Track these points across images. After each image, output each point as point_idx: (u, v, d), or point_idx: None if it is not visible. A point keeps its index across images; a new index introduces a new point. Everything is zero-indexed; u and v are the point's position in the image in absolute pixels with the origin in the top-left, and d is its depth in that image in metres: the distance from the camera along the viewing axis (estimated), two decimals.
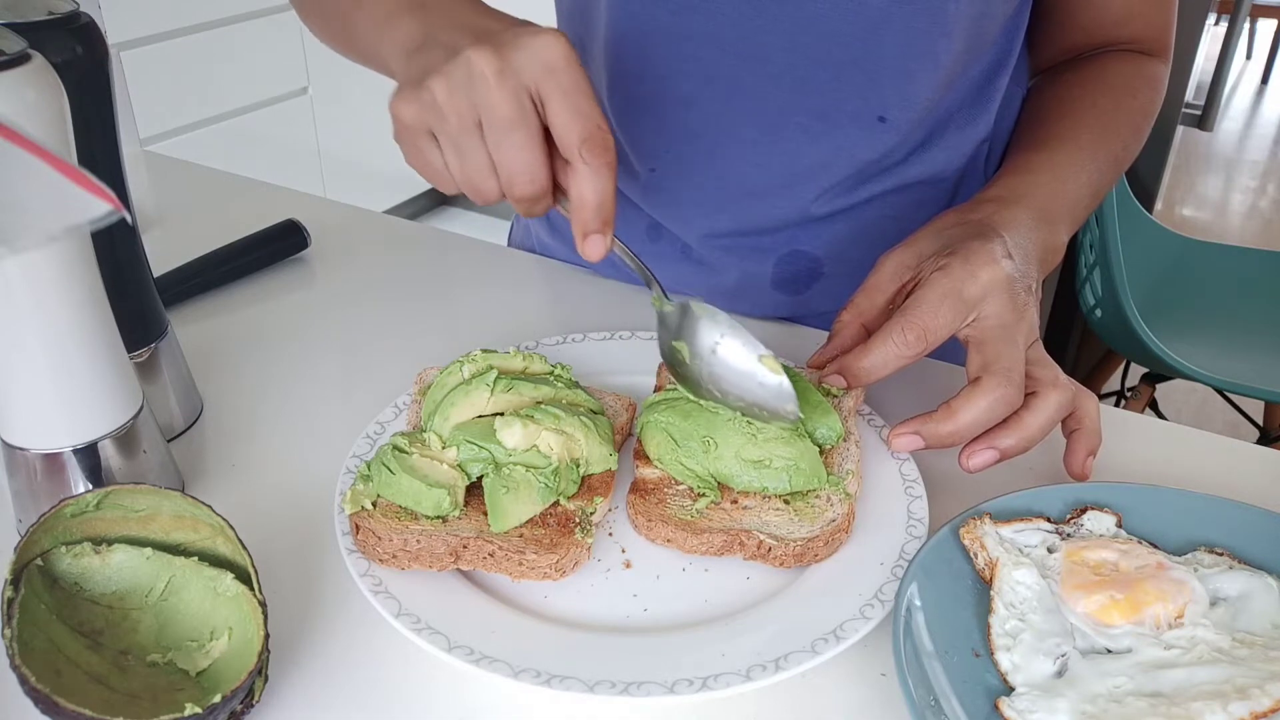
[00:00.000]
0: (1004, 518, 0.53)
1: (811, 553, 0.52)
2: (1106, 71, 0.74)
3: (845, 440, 0.59)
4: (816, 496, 0.55)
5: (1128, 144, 0.72)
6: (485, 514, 0.53)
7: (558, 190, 0.52)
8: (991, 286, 0.56)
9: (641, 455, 0.58)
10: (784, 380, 0.55)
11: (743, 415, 0.56)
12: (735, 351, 0.56)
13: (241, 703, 0.45)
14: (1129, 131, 0.72)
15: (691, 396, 0.58)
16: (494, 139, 0.49)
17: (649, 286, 0.58)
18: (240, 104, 2.66)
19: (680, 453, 0.56)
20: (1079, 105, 0.72)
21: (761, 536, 0.52)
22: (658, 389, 0.64)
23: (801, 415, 0.55)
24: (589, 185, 0.50)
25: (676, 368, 0.58)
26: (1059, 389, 0.56)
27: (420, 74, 0.50)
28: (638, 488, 0.57)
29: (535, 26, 0.50)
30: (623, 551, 0.55)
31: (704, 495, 0.55)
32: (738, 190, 0.75)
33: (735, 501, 0.55)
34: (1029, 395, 0.56)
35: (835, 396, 0.61)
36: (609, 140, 0.50)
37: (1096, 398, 0.60)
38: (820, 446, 0.58)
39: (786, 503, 0.55)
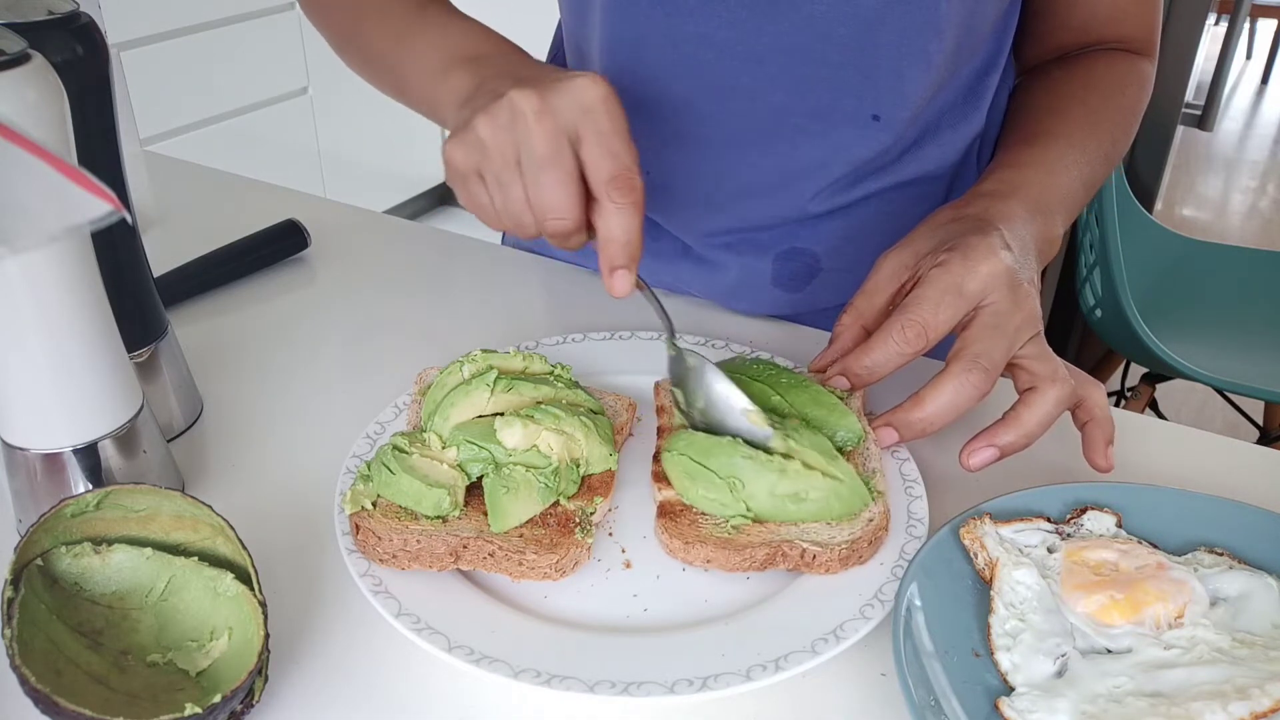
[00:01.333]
0: (1004, 518, 0.53)
1: (857, 555, 0.51)
2: (1095, 69, 0.75)
3: (864, 440, 0.59)
4: None
5: (1117, 140, 0.73)
6: (485, 514, 0.53)
7: (592, 227, 0.55)
8: (991, 280, 0.56)
9: (661, 478, 0.57)
10: (770, 433, 0.56)
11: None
12: (721, 410, 0.58)
13: (241, 703, 0.45)
14: (1118, 128, 0.73)
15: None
16: (530, 176, 0.52)
17: (665, 330, 0.61)
18: (240, 104, 2.66)
19: (698, 484, 0.54)
20: (1068, 102, 0.73)
21: (804, 545, 0.51)
22: (658, 410, 0.63)
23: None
24: (616, 223, 0.52)
25: (676, 407, 0.61)
26: (1058, 384, 0.56)
27: (469, 117, 0.53)
28: (666, 511, 0.55)
29: (577, 72, 0.53)
30: (623, 551, 0.55)
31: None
32: (735, 190, 0.75)
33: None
34: (1028, 390, 0.56)
35: (841, 399, 0.60)
36: (636, 181, 0.52)
37: (1103, 386, 0.60)
38: (841, 449, 0.57)
39: None
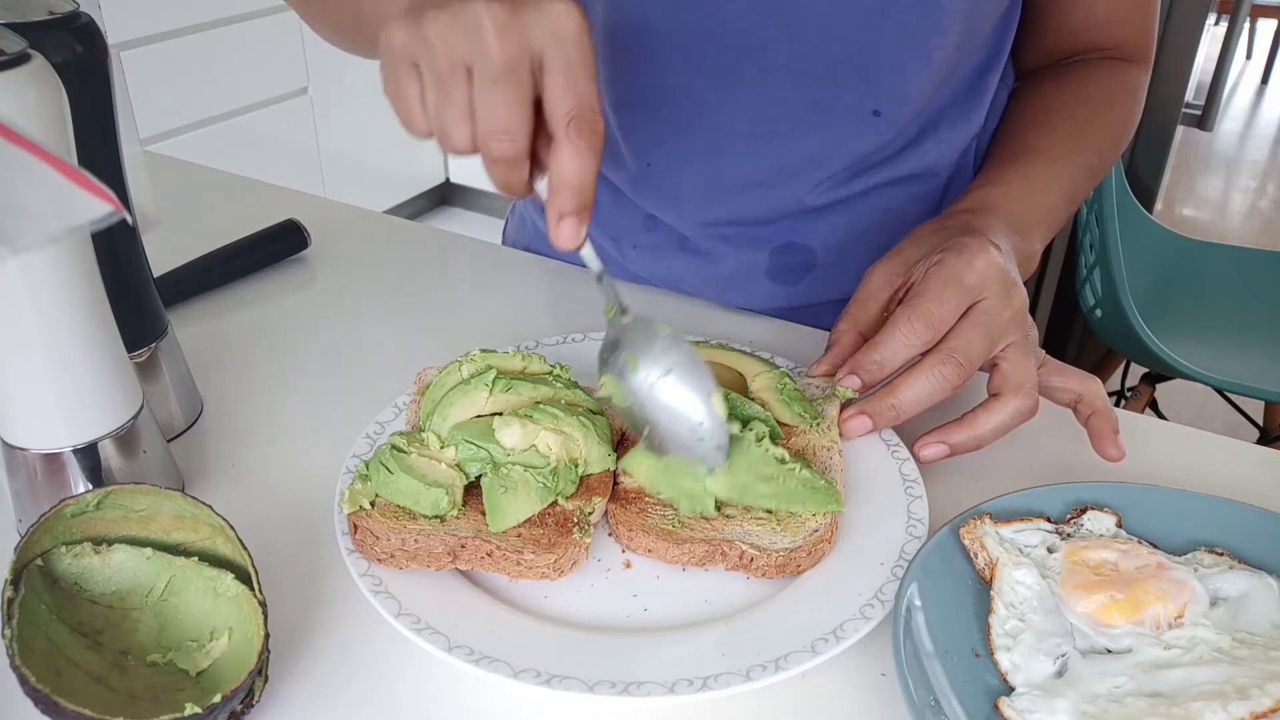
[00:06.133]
0: (1004, 518, 0.53)
1: (794, 563, 0.52)
2: (1086, 82, 0.75)
3: (829, 450, 0.59)
4: None
5: (1104, 154, 0.74)
6: (483, 514, 0.53)
7: (536, 169, 0.49)
8: (988, 273, 0.57)
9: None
10: (725, 424, 0.53)
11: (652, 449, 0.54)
12: (681, 386, 0.52)
13: (241, 703, 0.45)
14: (1105, 142, 0.74)
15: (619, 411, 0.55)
16: (481, 88, 0.46)
17: (606, 294, 0.54)
18: (240, 104, 2.66)
19: (671, 473, 0.54)
20: (1055, 116, 0.74)
21: (744, 547, 0.52)
22: None
23: (722, 465, 0.53)
24: (571, 165, 0.47)
25: (617, 381, 0.54)
26: (1020, 396, 0.57)
27: (422, 7, 0.47)
28: (619, 497, 0.56)
29: None
30: (623, 551, 0.54)
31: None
32: (734, 182, 0.76)
33: (719, 509, 0.55)
34: (992, 396, 0.57)
35: (841, 398, 0.60)
36: (599, 124, 0.47)
37: (1099, 380, 0.60)
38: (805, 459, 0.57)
39: (769, 512, 0.54)
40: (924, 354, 0.57)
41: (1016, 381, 0.57)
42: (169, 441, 0.60)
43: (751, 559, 0.52)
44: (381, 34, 0.48)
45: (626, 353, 0.53)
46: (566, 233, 0.48)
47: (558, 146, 0.47)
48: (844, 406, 0.60)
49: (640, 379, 0.52)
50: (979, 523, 0.52)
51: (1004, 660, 0.46)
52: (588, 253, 0.52)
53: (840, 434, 0.59)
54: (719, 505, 0.55)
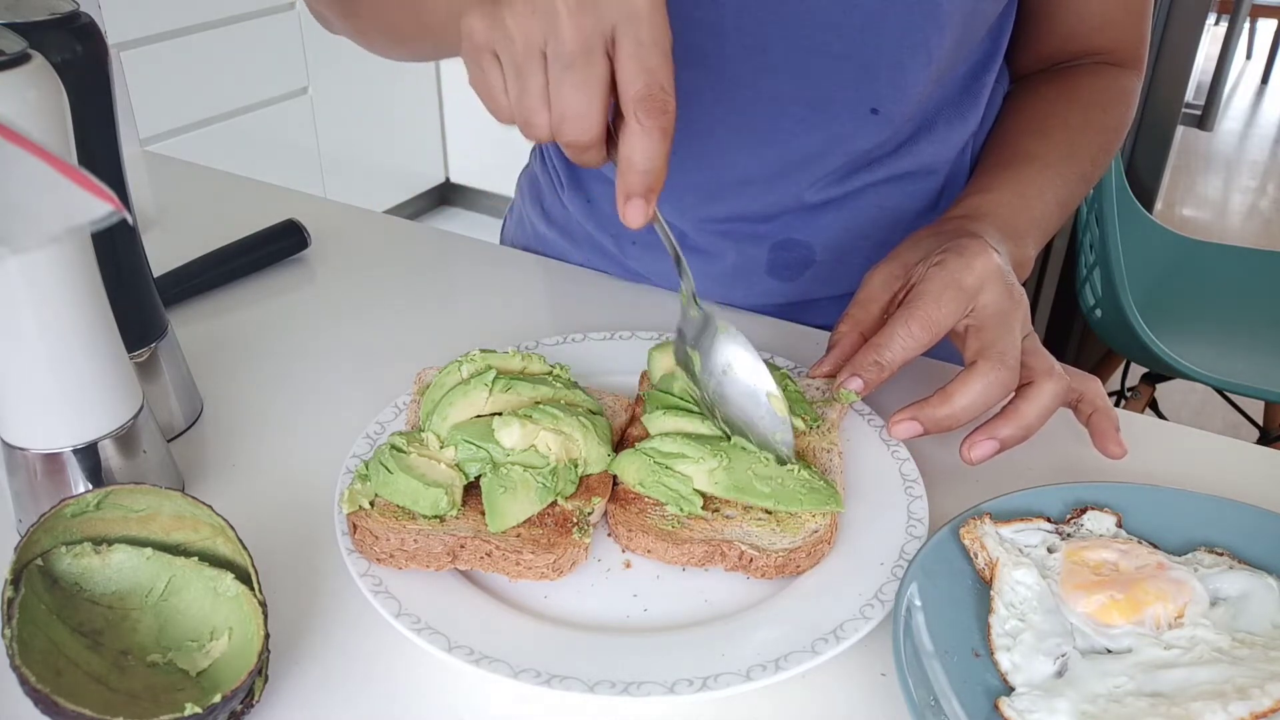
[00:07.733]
0: (1004, 518, 0.53)
1: (794, 564, 0.52)
2: (1079, 87, 0.76)
3: (829, 451, 0.59)
4: None
5: (1097, 160, 0.74)
6: (483, 514, 0.53)
7: (613, 146, 0.50)
8: (986, 275, 0.57)
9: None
10: (788, 420, 0.56)
11: (732, 437, 0.57)
12: (744, 379, 0.57)
13: (241, 703, 0.45)
14: (1099, 148, 0.74)
15: (694, 405, 0.59)
16: (554, 73, 0.47)
17: (680, 278, 0.57)
18: (240, 104, 2.66)
19: (662, 474, 0.55)
20: (1049, 122, 0.74)
21: (743, 547, 0.52)
22: (639, 400, 0.64)
23: (793, 458, 0.56)
24: (639, 147, 0.48)
25: (687, 372, 0.59)
26: (1054, 378, 0.57)
27: None
28: (618, 497, 0.56)
29: None
30: (623, 551, 0.54)
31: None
32: (733, 178, 0.76)
33: (717, 510, 0.55)
34: (1025, 385, 0.57)
35: (843, 401, 0.60)
36: (669, 104, 0.48)
37: (1098, 379, 0.61)
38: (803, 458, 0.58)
39: (769, 513, 0.54)
40: (974, 360, 0.56)
41: (1045, 367, 0.57)
42: (169, 441, 0.60)
43: (751, 559, 0.52)
44: (462, 24, 0.48)
45: (689, 347, 0.58)
46: (632, 214, 0.49)
47: (626, 128, 0.47)
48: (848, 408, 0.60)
49: (703, 376, 0.58)
50: (979, 523, 0.52)
51: (1004, 660, 0.46)
52: (660, 229, 0.54)
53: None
54: (717, 507, 0.55)
